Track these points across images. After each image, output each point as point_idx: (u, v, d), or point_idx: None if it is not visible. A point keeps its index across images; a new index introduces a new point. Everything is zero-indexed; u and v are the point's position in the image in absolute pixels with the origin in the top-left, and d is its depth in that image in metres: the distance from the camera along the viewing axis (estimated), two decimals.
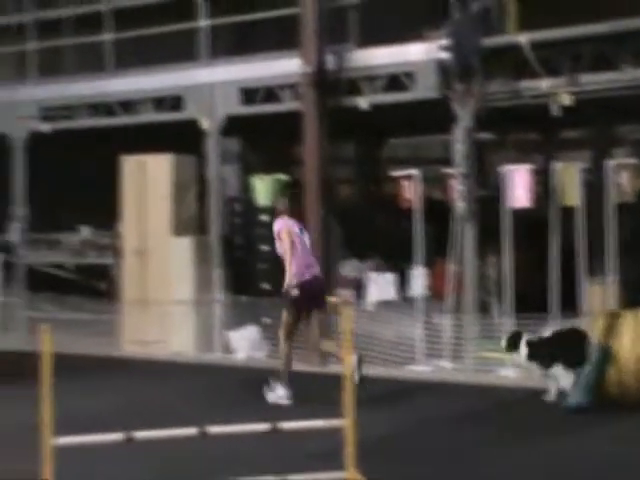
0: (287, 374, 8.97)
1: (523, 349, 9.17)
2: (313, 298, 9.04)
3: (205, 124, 12.23)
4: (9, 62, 14.97)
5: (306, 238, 9.20)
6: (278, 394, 8.94)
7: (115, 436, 5.71)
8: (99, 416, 8.38)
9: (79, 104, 13.40)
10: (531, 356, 9.13)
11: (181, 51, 12.87)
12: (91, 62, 13.67)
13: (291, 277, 8.92)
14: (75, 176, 14.19)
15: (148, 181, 12.53)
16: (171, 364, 11.49)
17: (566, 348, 9.02)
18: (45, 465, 5.45)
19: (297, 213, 9.44)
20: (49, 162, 13.55)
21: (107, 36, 13.30)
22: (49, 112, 13.60)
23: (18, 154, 13.68)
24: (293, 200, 9.50)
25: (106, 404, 9.09)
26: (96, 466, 6.63)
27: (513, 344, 9.26)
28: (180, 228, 12.39)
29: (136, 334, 12.24)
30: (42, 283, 13.42)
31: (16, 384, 9.74)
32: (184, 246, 12.19)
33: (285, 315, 9.06)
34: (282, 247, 9.03)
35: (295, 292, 8.90)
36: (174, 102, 12.69)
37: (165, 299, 12.06)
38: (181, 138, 12.11)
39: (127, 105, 13.09)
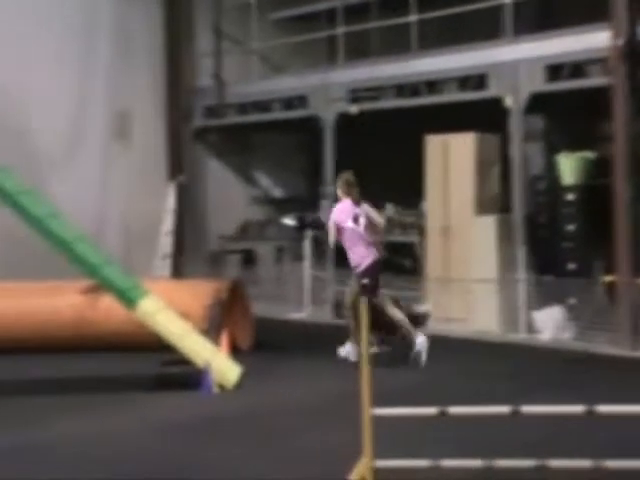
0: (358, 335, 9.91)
1: None
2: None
3: (509, 102, 12.12)
4: (321, 47, 15.64)
5: (361, 221, 10.03)
6: (347, 350, 10.05)
7: (429, 410, 5.87)
8: (406, 390, 8.65)
9: (385, 85, 13.72)
10: None
11: (485, 29, 12.82)
12: (396, 43, 13.94)
13: (356, 266, 9.95)
14: (380, 156, 14.58)
15: (452, 160, 12.65)
16: (474, 342, 11.56)
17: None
18: (364, 434, 5.73)
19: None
20: (356, 142, 14.02)
21: (412, 17, 13.50)
22: (357, 94, 14.05)
23: (328, 135, 14.24)
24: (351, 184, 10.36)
25: (411, 379, 9.35)
26: (410, 438, 6.85)
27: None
28: (483, 207, 12.42)
29: (440, 311, 12.43)
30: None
31: (328, 356, 10.26)
32: (487, 224, 12.19)
33: (353, 288, 10.00)
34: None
35: (365, 281, 9.86)
36: (478, 81, 12.65)
37: (468, 277, 12.16)
38: (485, 116, 12.07)
39: (432, 85, 13.23)
